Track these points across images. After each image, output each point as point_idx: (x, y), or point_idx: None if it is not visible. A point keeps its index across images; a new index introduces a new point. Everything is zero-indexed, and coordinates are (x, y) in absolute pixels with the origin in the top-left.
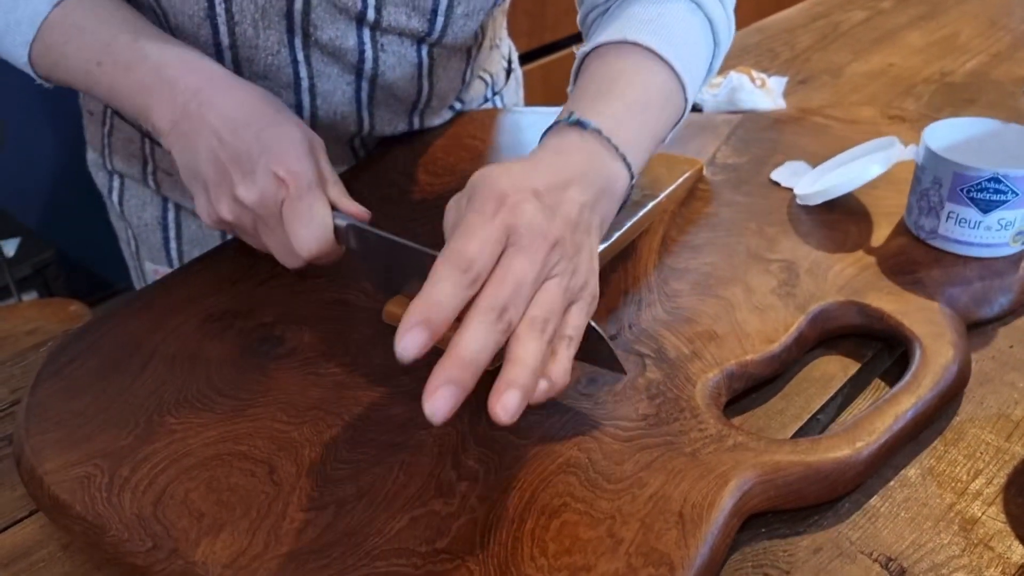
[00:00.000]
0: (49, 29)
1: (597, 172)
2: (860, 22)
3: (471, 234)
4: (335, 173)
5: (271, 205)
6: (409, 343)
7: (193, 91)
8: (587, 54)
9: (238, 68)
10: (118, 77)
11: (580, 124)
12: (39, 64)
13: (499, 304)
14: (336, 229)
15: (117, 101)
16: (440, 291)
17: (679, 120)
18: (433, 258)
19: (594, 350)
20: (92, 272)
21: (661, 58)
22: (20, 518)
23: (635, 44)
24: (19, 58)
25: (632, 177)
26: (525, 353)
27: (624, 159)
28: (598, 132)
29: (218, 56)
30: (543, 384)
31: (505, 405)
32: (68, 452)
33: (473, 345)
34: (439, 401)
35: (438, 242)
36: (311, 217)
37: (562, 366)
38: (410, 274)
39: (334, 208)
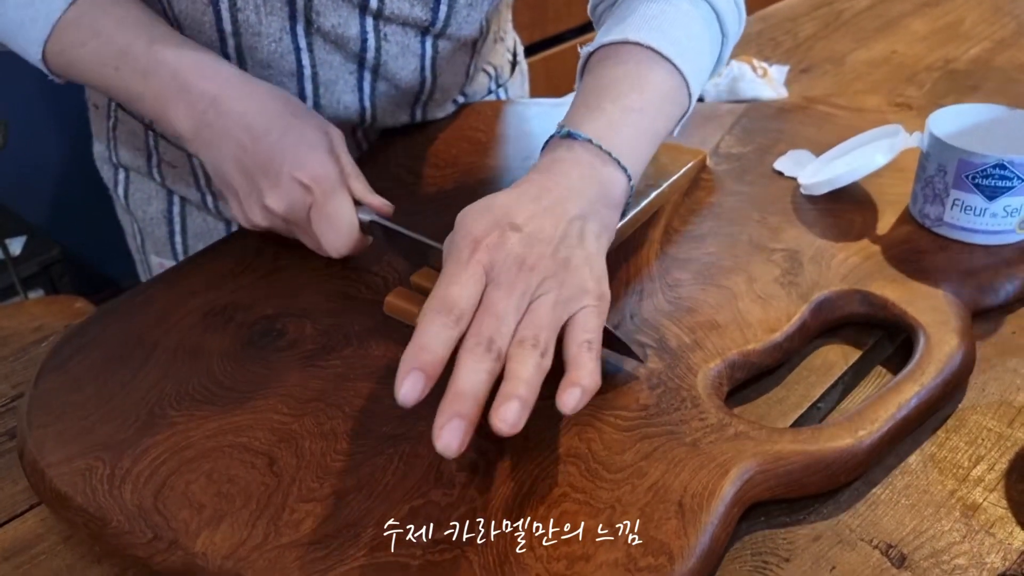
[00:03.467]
0: (64, 29)
1: (589, 182)
2: (863, 10)
3: (450, 280)
4: (356, 167)
5: (300, 210)
6: (408, 388)
7: (210, 99)
8: (591, 53)
9: (241, 56)
10: (135, 83)
11: (571, 136)
12: (53, 62)
13: (484, 337)
14: (360, 223)
15: (136, 106)
16: (428, 334)
17: (683, 115)
18: None
19: (608, 344)
20: (98, 270)
21: (663, 56)
22: (21, 511)
23: (636, 44)
24: (32, 55)
25: (630, 179)
26: (519, 367)
27: (618, 162)
28: (588, 141)
29: (222, 44)
30: (575, 392)
31: (502, 416)
32: (70, 445)
33: (468, 379)
34: (448, 436)
35: (442, 234)
36: (338, 220)
37: (587, 370)
38: (434, 259)
39: (358, 204)
